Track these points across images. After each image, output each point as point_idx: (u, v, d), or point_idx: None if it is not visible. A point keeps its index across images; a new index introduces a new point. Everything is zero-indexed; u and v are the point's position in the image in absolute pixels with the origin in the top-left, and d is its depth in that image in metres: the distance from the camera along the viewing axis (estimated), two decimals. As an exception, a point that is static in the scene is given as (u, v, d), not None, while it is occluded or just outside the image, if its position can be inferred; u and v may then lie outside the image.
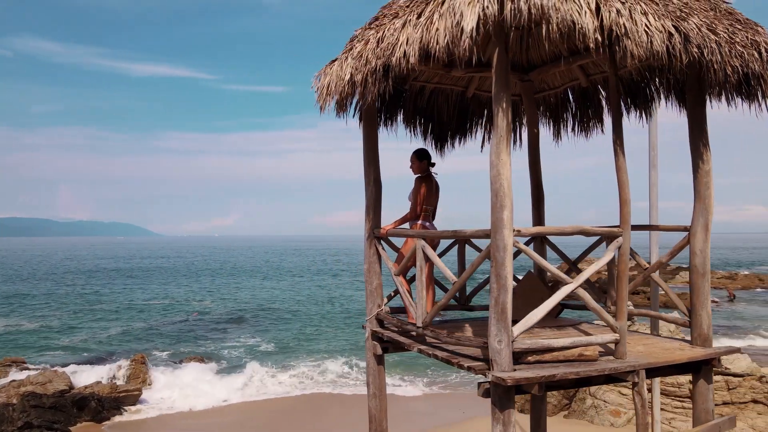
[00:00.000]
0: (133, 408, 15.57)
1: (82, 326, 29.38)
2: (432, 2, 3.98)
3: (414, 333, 4.77)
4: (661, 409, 13.35)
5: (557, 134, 6.66)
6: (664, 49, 3.72)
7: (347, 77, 4.75)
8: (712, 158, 4.61)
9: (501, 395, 3.77)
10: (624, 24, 3.56)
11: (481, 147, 6.74)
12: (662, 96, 5.63)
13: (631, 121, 6.27)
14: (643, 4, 3.74)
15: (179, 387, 17.13)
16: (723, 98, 4.60)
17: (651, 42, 3.65)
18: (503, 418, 3.76)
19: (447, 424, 15.36)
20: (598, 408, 15.25)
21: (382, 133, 6.05)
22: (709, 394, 4.42)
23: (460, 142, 6.69)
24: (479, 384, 3.97)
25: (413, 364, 22.00)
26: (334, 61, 5.53)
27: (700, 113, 4.64)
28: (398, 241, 5.64)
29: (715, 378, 13.90)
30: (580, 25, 3.42)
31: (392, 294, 5.59)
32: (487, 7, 3.36)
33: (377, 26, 4.62)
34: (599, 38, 3.54)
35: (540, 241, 6.10)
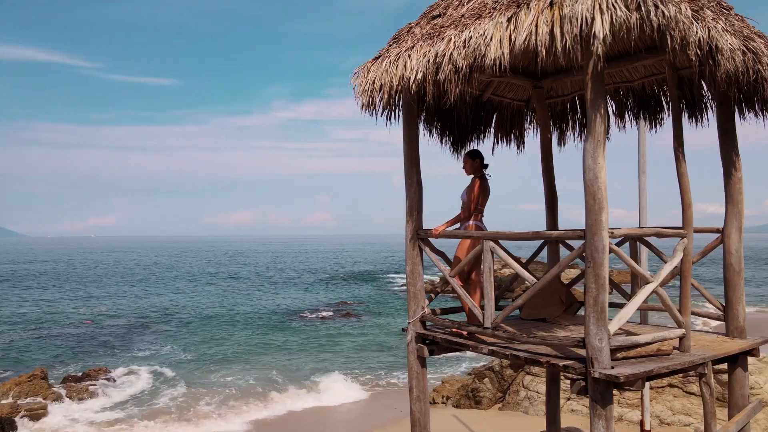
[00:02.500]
0: (36, 426, 14.31)
1: (-49, 340, 26.05)
2: (530, 7, 4.01)
3: (480, 335, 4.77)
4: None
5: (562, 140, 6.97)
6: (741, 64, 4.05)
7: (414, 76, 4.66)
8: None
9: (603, 392, 3.90)
10: (719, 38, 3.83)
11: (492, 150, 6.89)
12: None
13: (625, 130, 6.74)
14: (724, 22, 4.05)
15: (83, 401, 16.11)
16: (751, 111, 5.08)
17: (734, 58, 3.96)
18: (605, 413, 3.88)
19: (385, 423, 15.51)
20: (531, 399, 16.07)
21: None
22: (746, 381, 4.86)
23: (475, 145, 6.79)
24: (573, 382, 4.07)
25: (345, 366, 21.93)
26: (377, 57, 5.40)
27: (731, 124, 5.07)
28: (437, 242, 5.60)
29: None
30: (693, 39, 3.63)
31: (432, 296, 5.55)
32: (620, 15, 3.46)
33: (453, 25, 4.56)
34: (699, 52, 3.78)
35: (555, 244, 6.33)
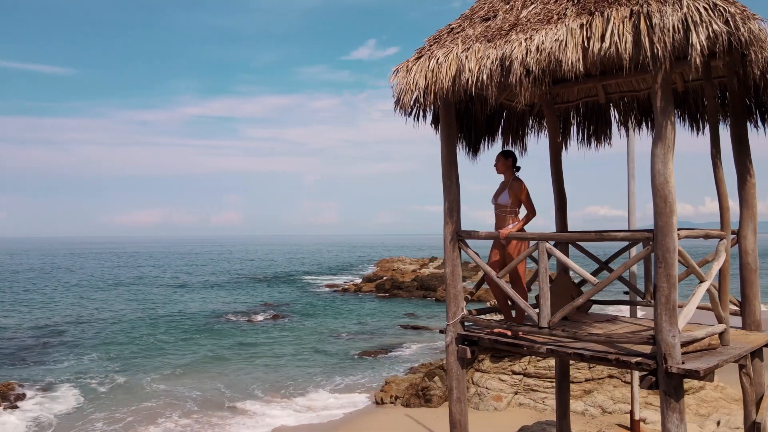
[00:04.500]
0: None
1: None
2: (605, 15, 4.13)
3: (534, 335, 4.85)
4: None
5: (564, 145, 7.23)
6: None
7: (474, 77, 4.67)
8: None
9: (676, 386, 4.10)
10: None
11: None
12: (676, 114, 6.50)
13: (628, 136, 7.12)
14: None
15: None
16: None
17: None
18: (679, 406, 4.09)
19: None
20: (481, 395, 16.53)
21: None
22: (763, 370, 5.29)
23: (487, 147, 6.88)
24: (643, 377, 4.24)
25: (286, 372, 21.36)
26: (419, 57, 5.35)
27: (744, 132, 5.48)
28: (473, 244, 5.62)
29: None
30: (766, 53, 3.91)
31: (469, 296, 5.56)
32: (715, 28, 3.66)
33: (517, 29, 4.60)
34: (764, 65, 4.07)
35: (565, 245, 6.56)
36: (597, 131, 7.02)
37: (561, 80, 6.58)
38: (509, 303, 5.55)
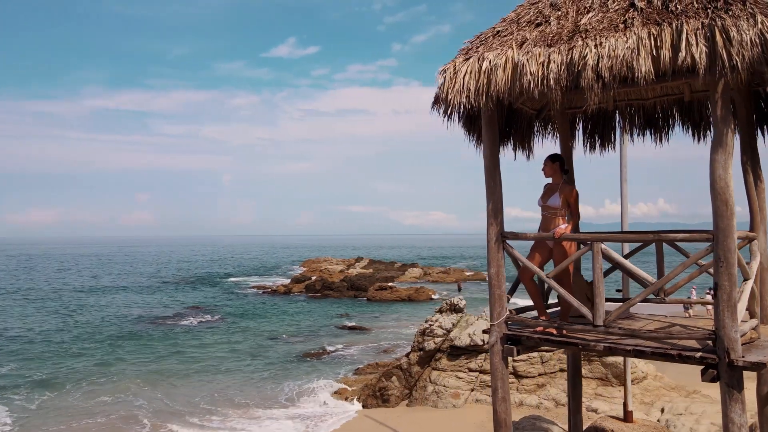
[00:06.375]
0: None
1: None
2: (673, 25, 4.32)
3: (582, 333, 4.98)
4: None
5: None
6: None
7: (538, 81, 4.74)
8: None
9: (738, 378, 4.36)
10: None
11: (514, 155, 7.16)
12: (678, 123, 6.91)
13: (633, 143, 7.46)
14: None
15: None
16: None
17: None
18: (741, 397, 4.35)
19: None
20: (439, 393, 16.76)
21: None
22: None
23: (503, 150, 6.97)
24: (704, 371, 4.48)
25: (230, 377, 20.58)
26: (468, 58, 5.35)
27: (755, 141, 5.93)
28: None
29: (532, 354, 16.73)
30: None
31: (508, 296, 5.62)
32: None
33: (582, 36, 4.70)
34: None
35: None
36: (603, 137, 7.32)
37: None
38: (557, 302, 5.66)
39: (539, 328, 5.42)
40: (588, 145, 7.44)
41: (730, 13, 4.19)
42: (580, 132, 7.47)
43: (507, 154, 7.18)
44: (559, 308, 5.97)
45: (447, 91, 5.35)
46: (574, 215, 5.55)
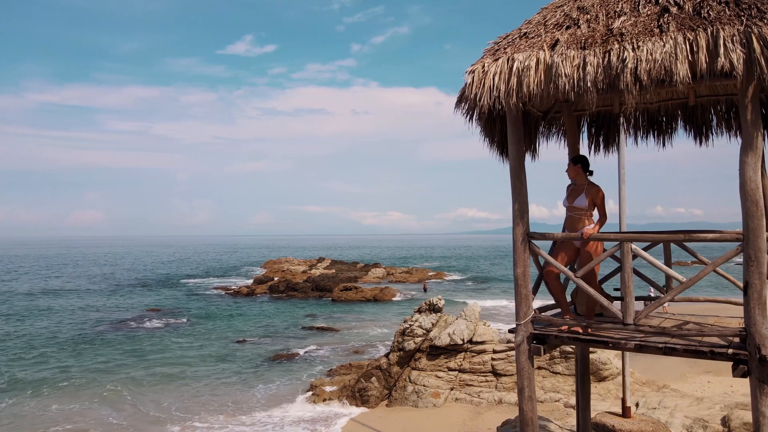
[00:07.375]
0: None
1: None
2: (708, 31, 4.44)
3: (611, 331, 5.07)
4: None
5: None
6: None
7: (566, 82, 4.80)
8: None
9: (769, 373, 4.51)
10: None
11: (532, 157, 7.27)
12: (680, 127, 7.13)
13: (637, 145, 7.64)
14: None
15: None
16: None
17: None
18: (771, 392, 4.50)
19: None
20: (419, 393, 16.78)
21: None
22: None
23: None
24: (735, 367, 4.62)
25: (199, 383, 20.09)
26: (497, 59, 5.36)
27: (761, 140, 6.15)
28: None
29: (510, 353, 16.96)
30: None
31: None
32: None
33: (617, 39, 4.77)
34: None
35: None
36: (607, 139, 7.48)
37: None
38: (581, 302, 5.73)
39: (564, 327, 5.48)
40: (592, 146, 7.59)
41: (766, 21, 4.34)
42: (585, 134, 7.62)
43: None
44: (558, 308, 6.08)
45: (475, 91, 5.35)
46: (601, 216, 5.63)
